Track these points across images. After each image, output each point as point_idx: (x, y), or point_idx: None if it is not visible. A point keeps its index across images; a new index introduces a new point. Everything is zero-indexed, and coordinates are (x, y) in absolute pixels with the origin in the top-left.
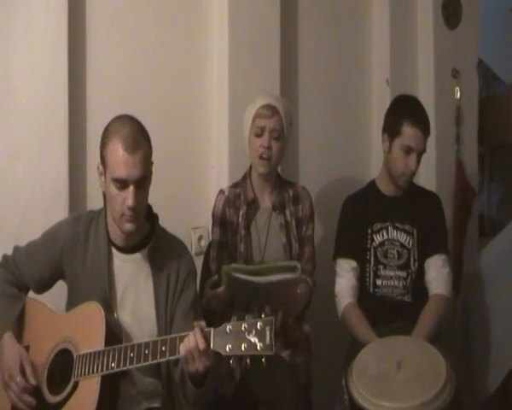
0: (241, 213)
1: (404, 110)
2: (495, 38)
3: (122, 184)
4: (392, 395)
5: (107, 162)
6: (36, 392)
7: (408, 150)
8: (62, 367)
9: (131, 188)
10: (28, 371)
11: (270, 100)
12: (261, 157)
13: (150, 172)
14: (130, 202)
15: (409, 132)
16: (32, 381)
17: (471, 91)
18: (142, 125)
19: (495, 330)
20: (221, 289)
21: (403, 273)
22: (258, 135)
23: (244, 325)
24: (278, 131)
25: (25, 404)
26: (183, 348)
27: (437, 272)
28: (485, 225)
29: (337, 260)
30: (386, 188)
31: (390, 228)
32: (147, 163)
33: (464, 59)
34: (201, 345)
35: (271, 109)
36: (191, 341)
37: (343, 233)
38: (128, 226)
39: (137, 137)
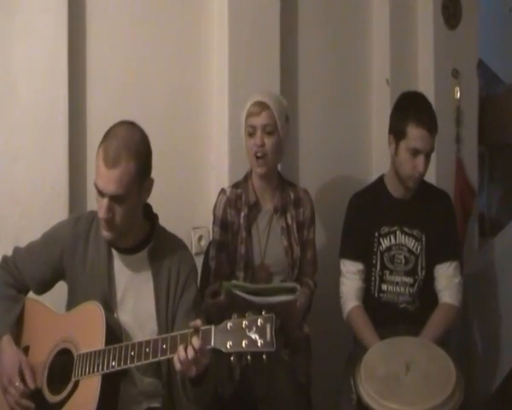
0: (242, 214)
1: (408, 110)
2: (495, 38)
3: (99, 192)
4: (401, 397)
5: None
6: (36, 392)
7: (415, 152)
8: (63, 367)
9: (106, 200)
10: (27, 375)
11: (259, 97)
12: (257, 157)
13: (133, 191)
14: (100, 212)
15: (414, 134)
16: (31, 385)
17: (471, 91)
18: (136, 140)
19: (495, 331)
20: (221, 297)
21: (409, 280)
22: (251, 134)
23: (245, 322)
24: (271, 126)
25: (23, 409)
26: (177, 363)
27: (448, 282)
28: (485, 225)
29: (343, 260)
30: (394, 189)
31: (398, 233)
32: (127, 182)
33: (464, 59)
34: (190, 355)
35: (260, 105)
36: (181, 354)
37: (349, 233)
38: (104, 233)
39: (121, 152)
